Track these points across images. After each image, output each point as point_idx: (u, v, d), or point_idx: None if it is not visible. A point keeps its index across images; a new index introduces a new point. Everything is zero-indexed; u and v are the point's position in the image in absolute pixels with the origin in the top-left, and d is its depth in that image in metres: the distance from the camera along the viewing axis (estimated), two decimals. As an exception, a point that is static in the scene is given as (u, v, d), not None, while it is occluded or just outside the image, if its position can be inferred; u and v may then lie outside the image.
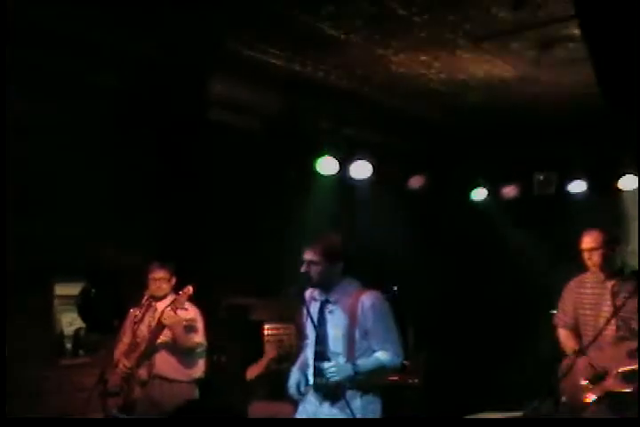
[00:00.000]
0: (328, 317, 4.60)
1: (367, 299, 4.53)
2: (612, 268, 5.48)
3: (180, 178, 7.16)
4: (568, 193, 9.13)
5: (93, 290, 7.05)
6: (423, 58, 6.81)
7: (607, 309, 5.40)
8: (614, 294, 5.40)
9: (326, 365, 4.46)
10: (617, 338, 5.29)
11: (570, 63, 6.74)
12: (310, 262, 4.56)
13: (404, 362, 8.06)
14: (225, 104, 7.32)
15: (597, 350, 5.31)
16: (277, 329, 7.87)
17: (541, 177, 8.98)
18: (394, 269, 8.66)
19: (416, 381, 7.88)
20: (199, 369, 6.30)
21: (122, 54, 6.35)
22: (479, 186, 9.17)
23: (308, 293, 4.74)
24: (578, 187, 9.09)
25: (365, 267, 8.33)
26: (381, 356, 4.49)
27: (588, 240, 5.54)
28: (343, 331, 4.53)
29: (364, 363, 4.46)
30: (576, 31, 5.77)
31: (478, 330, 8.07)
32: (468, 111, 8.30)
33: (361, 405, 4.50)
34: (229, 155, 7.46)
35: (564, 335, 5.80)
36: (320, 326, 4.60)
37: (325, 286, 4.62)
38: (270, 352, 7.58)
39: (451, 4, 5.70)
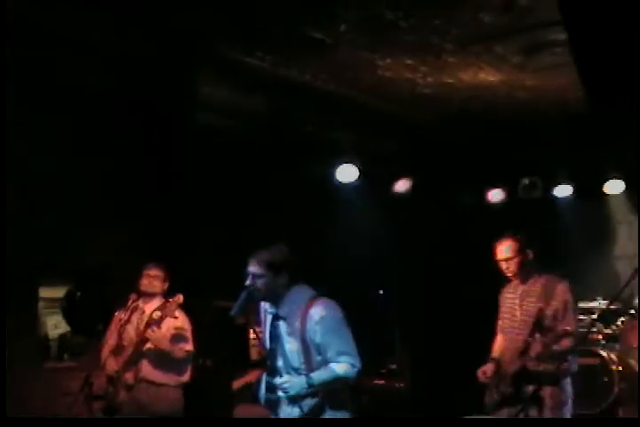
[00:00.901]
0: (281, 331, 4.46)
1: (315, 312, 4.34)
2: (527, 273, 5.54)
3: (168, 180, 7.14)
4: (554, 197, 9.16)
5: (78, 293, 7.03)
6: (409, 62, 6.82)
7: (518, 313, 5.52)
8: (522, 299, 5.51)
9: (279, 380, 4.36)
10: (523, 342, 5.31)
11: (555, 68, 6.76)
12: (254, 275, 4.40)
13: (391, 366, 8.10)
14: (212, 107, 7.31)
15: (509, 354, 5.46)
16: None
17: (527, 181, 9.01)
18: (380, 272, 8.66)
19: (402, 385, 7.87)
20: (187, 374, 6.27)
21: (109, 57, 6.33)
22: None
23: (262, 304, 4.60)
24: (563, 191, 9.13)
25: (351, 270, 8.40)
26: (337, 368, 4.33)
27: (503, 250, 5.54)
28: (297, 346, 4.38)
29: (319, 376, 4.31)
30: (562, 36, 5.79)
31: (465, 332, 8.06)
32: (455, 115, 8.32)
33: None
34: (217, 157, 7.45)
35: (496, 341, 5.79)
36: (272, 340, 4.49)
37: (272, 298, 4.45)
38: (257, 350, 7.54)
39: (437, 9, 5.71)
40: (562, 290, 5.38)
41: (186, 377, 6.26)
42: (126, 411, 6.00)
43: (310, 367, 4.36)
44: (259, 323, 4.74)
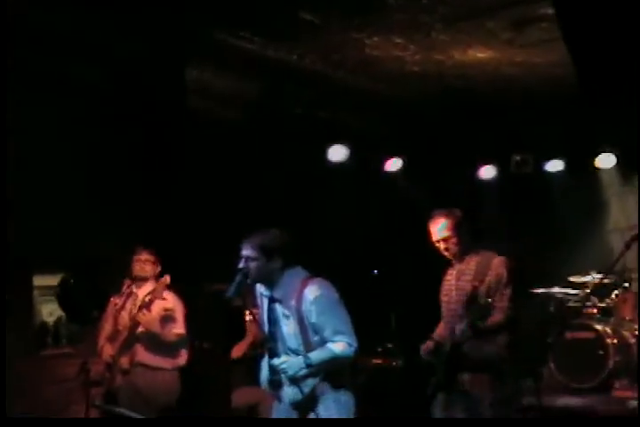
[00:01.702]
0: (277, 314, 4.48)
1: (309, 292, 4.36)
2: (463, 251, 5.16)
3: (160, 166, 7.12)
4: (546, 172, 9.18)
5: (72, 280, 7.02)
6: (398, 40, 6.78)
7: (454, 294, 5.16)
8: (458, 278, 5.16)
9: (277, 361, 4.37)
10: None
11: (544, 43, 6.73)
12: (247, 258, 4.40)
13: (388, 345, 8.13)
14: (201, 91, 7.28)
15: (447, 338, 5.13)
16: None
17: (518, 157, 9.01)
18: (375, 254, 8.67)
19: (400, 362, 7.90)
20: (182, 358, 6.29)
21: (98, 45, 6.29)
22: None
23: (257, 287, 4.60)
24: (555, 166, 9.14)
25: (345, 250, 8.40)
26: (334, 347, 4.35)
27: (437, 229, 5.12)
28: (294, 327, 4.40)
29: (317, 355, 4.33)
30: (550, 11, 5.76)
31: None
32: (444, 93, 8.29)
33: (326, 405, 4.41)
34: (207, 141, 7.43)
35: (439, 326, 5.44)
36: (269, 323, 4.51)
37: (266, 282, 4.47)
38: (252, 330, 7.56)
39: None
40: (496, 264, 5.03)
41: (181, 360, 6.27)
42: (123, 396, 6.02)
43: (308, 348, 4.37)
44: (255, 305, 4.75)
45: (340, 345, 4.35)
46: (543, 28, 6.42)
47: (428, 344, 5.18)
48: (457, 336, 4.95)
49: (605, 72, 4.42)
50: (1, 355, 5.84)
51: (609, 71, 4.37)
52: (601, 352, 7.46)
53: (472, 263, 5.11)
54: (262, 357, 4.61)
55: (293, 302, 4.39)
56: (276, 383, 4.48)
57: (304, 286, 4.39)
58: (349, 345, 4.36)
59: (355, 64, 7.40)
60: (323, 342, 4.38)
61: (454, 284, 5.18)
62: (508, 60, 7.38)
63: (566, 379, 7.52)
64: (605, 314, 7.86)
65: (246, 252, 4.40)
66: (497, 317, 4.95)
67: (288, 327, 4.43)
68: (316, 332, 4.38)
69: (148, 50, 6.54)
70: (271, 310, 4.51)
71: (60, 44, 6.08)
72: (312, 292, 4.36)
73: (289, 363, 4.33)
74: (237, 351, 7.32)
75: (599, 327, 7.58)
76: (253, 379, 7.62)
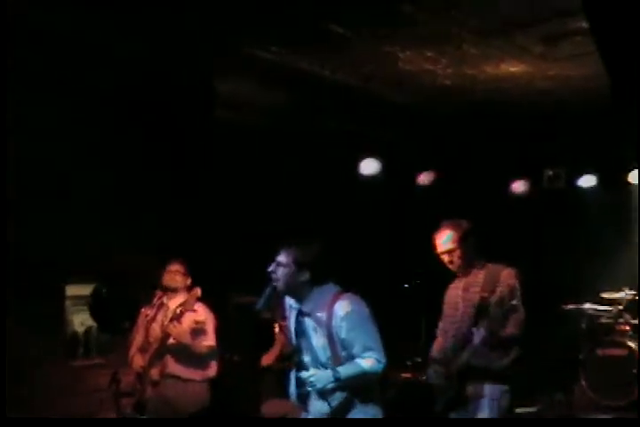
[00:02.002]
0: (306, 327, 4.46)
1: (340, 308, 4.34)
2: (470, 264, 5.11)
3: (188, 177, 7.16)
4: (578, 187, 9.13)
5: (104, 290, 7.06)
6: (429, 54, 6.79)
7: (461, 306, 5.12)
8: (465, 290, 5.09)
9: (305, 374, 4.37)
10: (464, 335, 5.02)
11: (577, 57, 6.71)
12: (279, 264, 4.40)
13: (418, 359, 8.09)
14: (232, 103, 7.32)
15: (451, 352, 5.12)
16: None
17: (551, 172, 8.96)
18: (406, 268, 8.64)
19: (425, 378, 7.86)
20: (212, 369, 6.30)
21: (126, 54, 6.35)
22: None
23: (286, 299, 4.59)
24: (588, 181, 9.09)
25: (377, 266, 8.38)
26: (363, 363, 4.34)
27: (442, 242, 5.08)
28: (323, 341, 4.38)
29: (346, 370, 4.32)
30: (583, 25, 5.74)
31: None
32: (477, 106, 8.28)
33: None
34: (238, 153, 7.47)
35: (436, 342, 5.43)
36: (298, 336, 4.49)
37: (294, 293, 4.47)
38: (280, 342, 7.58)
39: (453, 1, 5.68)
40: (506, 276, 4.99)
41: (211, 372, 6.28)
42: (153, 407, 6.04)
43: (337, 362, 4.36)
44: (284, 318, 4.75)
45: (369, 361, 4.34)
46: (576, 42, 6.39)
47: (435, 368, 5.20)
48: (474, 345, 4.89)
49: (636, 86, 4.38)
50: (1, 356, 5.88)
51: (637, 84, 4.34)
52: (634, 371, 7.38)
53: (480, 275, 5.04)
54: (291, 369, 4.61)
55: (324, 317, 4.37)
56: (303, 396, 4.48)
57: (335, 301, 4.37)
58: (378, 362, 4.35)
59: (387, 78, 7.42)
60: (351, 358, 4.37)
61: (461, 296, 5.12)
62: (540, 74, 7.36)
63: (597, 396, 7.45)
64: (638, 331, 7.77)
65: (279, 257, 4.41)
66: (511, 329, 4.92)
67: (317, 341, 4.42)
68: (345, 347, 4.37)
69: (178, 62, 6.60)
70: (299, 323, 4.50)
71: (84, 49, 6.13)
72: (343, 308, 4.34)
73: (317, 376, 4.33)
74: (266, 360, 7.34)
75: (632, 345, 7.50)
76: (282, 391, 7.66)
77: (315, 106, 7.76)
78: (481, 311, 4.86)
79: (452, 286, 5.25)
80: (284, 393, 7.80)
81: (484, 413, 4.95)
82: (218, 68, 6.80)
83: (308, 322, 4.45)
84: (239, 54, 6.58)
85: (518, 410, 7.30)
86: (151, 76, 6.75)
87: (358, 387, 4.40)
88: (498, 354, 4.94)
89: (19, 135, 6.01)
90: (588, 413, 7.09)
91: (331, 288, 4.46)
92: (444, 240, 5.06)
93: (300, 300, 4.47)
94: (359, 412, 4.41)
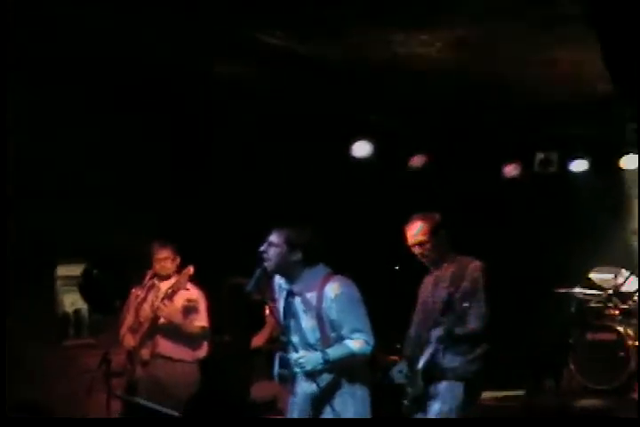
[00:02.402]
0: (296, 307, 4.49)
1: (330, 290, 4.38)
2: (441, 257, 5.05)
3: (183, 159, 7.14)
4: (570, 172, 9.13)
5: (95, 271, 7.07)
6: (423, 37, 6.76)
7: (430, 301, 5.04)
8: (435, 285, 5.05)
9: (295, 355, 4.38)
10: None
11: (572, 42, 6.69)
12: (270, 244, 4.43)
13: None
14: (228, 86, 7.29)
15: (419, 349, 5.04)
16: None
17: (542, 156, 8.96)
18: (397, 251, 8.65)
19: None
20: (203, 350, 6.32)
21: (126, 38, 6.31)
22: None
23: (276, 279, 4.63)
24: (579, 166, 9.09)
25: (367, 249, 8.39)
26: (352, 344, 4.37)
27: (414, 233, 5.00)
28: (313, 322, 4.41)
29: (334, 352, 4.35)
30: (579, 10, 5.73)
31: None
32: (470, 90, 8.26)
33: (342, 400, 4.43)
34: (233, 135, 7.45)
35: (407, 337, 5.32)
36: (286, 317, 4.52)
37: (285, 274, 4.50)
38: (271, 323, 7.61)
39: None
40: (472, 269, 4.90)
41: (202, 353, 6.30)
42: (143, 387, 6.06)
43: (326, 343, 4.39)
44: (274, 300, 4.76)
45: (357, 343, 4.37)
46: (572, 27, 6.37)
47: (400, 367, 5.14)
48: (432, 344, 4.85)
49: (634, 73, 4.38)
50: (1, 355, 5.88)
51: (638, 72, 4.34)
52: (622, 354, 7.42)
53: (450, 270, 4.98)
54: (276, 350, 4.64)
55: (314, 298, 4.40)
56: (289, 377, 4.50)
57: (325, 282, 4.40)
58: (367, 343, 4.38)
59: (380, 61, 7.39)
60: (340, 339, 4.40)
61: (431, 291, 5.07)
62: (534, 59, 7.34)
63: (586, 380, 7.49)
64: (627, 316, 7.81)
65: (271, 237, 4.44)
66: (473, 324, 4.83)
67: (306, 322, 4.44)
68: (334, 329, 4.39)
69: (180, 46, 6.56)
70: (289, 304, 4.53)
71: (85, 31, 6.09)
72: (333, 289, 4.37)
73: (307, 358, 4.34)
74: (257, 342, 7.37)
75: (621, 329, 7.54)
76: (273, 372, 7.69)
77: (308, 89, 7.73)
78: (447, 308, 4.80)
79: (425, 280, 5.21)
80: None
81: (435, 412, 4.87)
82: (217, 53, 6.75)
83: (298, 303, 4.47)
84: (235, 37, 6.54)
85: (506, 393, 7.35)
86: (150, 62, 6.71)
87: (347, 368, 4.42)
88: (460, 352, 4.87)
89: (13, 121, 5.97)
90: (576, 397, 7.13)
91: (321, 270, 4.48)
92: (415, 232, 4.99)
93: (290, 280, 4.49)
94: (346, 393, 4.43)
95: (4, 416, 5.02)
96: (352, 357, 4.39)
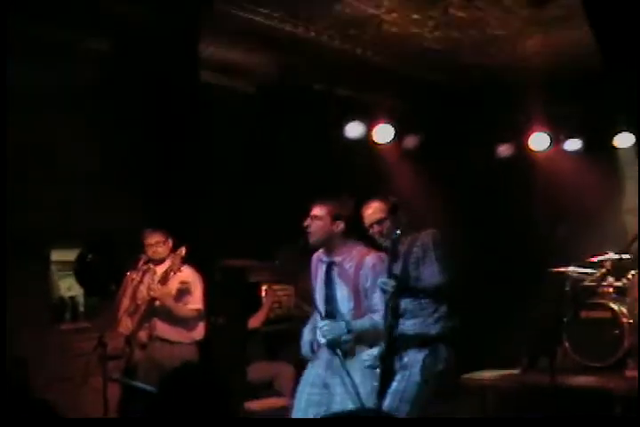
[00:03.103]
0: (335, 278, 4.71)
1: (370, 259, 4.64)
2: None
3: (173, 140, 7.11)
4: (563, 151, 9.13)
5: (90, 255, 7.06)
6: (416, 16, 6.75)
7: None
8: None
9: (320, 323, 4.56)
10: None
11: (564, 20, 6.68)
12: (314, 217, 4.67)
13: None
14: (217, 67, 7.26)
15: None
16: (275, 290, 7.91)
17: (536, 135, 8.96)
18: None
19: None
20: (199, 331, 6.33)
21: (111, 17, 6.27)
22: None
23: (315, 256, 4.86)
24: (573, 145, 9.09)
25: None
26: (376, 316, 4.56)
27: (372, 212, 4.97)
28: (349, 292, 4.64)
29: (359, 322, 4.55)
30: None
31: (475, 289, 8.08)
32: (463, 70, 8.25)
33: (358, 368, 4.59)
34: (223, 117, 7.42)
35: None
36: (327, 287, 4.74)
37: (326, 245, 4.74)
38: (268, 301, 7.63)
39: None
40: (424, 235, 4.87)
41: (198, 334, 6.31)
42: (142, 369, 6.08)
43: (358, 314, 4.62)
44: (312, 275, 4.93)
45: (381, 315, 4.57)
46: (562, 6, 6.36)
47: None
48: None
49: (626, 51, 4.37)
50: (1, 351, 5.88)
51: (630, 50, 4.32)
52: (616, 332, 7.45)
53: (406, 243, 4.91)
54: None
55: (352, 267, 4.66)
56: (316, 344, 4.75)
57: (365, 254, 4.70)
58: None
59: (373, 40, 7.37)
60: (370, 311, 4.62)
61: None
62: (526, 38, 7.33)
63: (581, 358, 7.52)
64: (621, 294, 7.83)
65: (314, 210, 4.70)
66: (427, 282, 4.76)
67: (342, 292, 4.67)
68: (367, 297, 4.62)
69: (164, 25, 6.52)
70: (328, 274, 4.75)
71: (68, 12, 6.05)
72: (372, 259, 4.66)
73: (331, 327, 4.52)
74: (253, 323, 7.40)
75: (615, 307, 7.56)
76: (269, 354, 7.72)
77: (300, 69, 7.70)
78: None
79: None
80: (271, 356, 7.89)
81: (404, 382, 4.75)
82: (204, 31, 6.72)
83: (337, 274, 4.72)
84: (225, 17, 6.51)
85: (501, 372, 7.39)
86: (134, 38, 6.67)
87: (369, 340, 4.63)
88: (420, 315, 4.78)
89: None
90: (570, 374, 7.17)
91: (358, 246, 4.76)
92: (373, 211, 4.96)
93: (331, 252, 4.73)
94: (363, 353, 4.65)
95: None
96: (374, 328, 4.56)
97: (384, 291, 4.62)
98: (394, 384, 4.65)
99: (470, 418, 4.94)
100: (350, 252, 4.72)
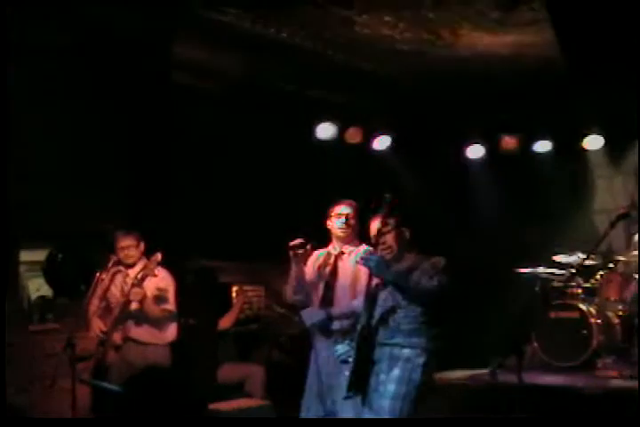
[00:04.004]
0: (339, 269, 5.24)
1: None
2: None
3: (145, 140, 7.09)
4: (533, 153, 9.19)
5: (60, 255, 7.02)
6: (387, 18, 6.77)
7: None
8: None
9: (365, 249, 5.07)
10: None
11: (534, 24, 6.72)
12: (347, 215, 5.24)
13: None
14: (189, 67, 7.25)
15: None
16: (246, 291, 7.90)
17: (506, 137, 9.02)
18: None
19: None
20: (172, 333, 6.31)
21: (83, 16, 6.24)
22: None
23: (315, 253, 5.33)
24: (543, 146, 9.15)
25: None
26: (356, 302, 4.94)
27: (343, 208, 5.31)
28: (351, 281, 5.14)
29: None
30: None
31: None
32: (434, 71, 8.28)
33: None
34: (194, 117, 7.42)
35: None
36: (329, 277, 5.24)
37: (347, 239, 5.27)
38: (239, 301, 7.61)
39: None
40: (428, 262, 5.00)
41: (170, 336, 6.30)
42: (115, 371, 6.06)
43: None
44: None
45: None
46: (533, 9, 6.40)
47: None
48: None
49: (594, 53, 4.42)
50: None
51: (597, 52, 4.38)
52: (585, 332, 7.51)
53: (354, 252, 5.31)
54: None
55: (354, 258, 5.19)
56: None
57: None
58: None
59: (344, 42, 7.38)
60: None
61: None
62: (497, 40, 7.37)
63: (549, 358, 7.59)
64: (590, 294, 7.91)
65: (347, 210, 5.26)
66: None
67: (344, 280, 5.23)
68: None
69: (136, 25, 6.50)
70: (335, 265, 5.32)
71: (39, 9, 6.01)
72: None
73: (375, 257, 4.65)
74: (223, 324, 7.39)
75: (583, 307, 7.63)
76: (240, 354, 7.71)
77: (271, 70, 7.70)
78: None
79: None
80: (242, 357, 7.87)
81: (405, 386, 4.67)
82: (174, 31, 6.71)
83: (346, 262, 5.31)
84: (198, 17, 6.50)
85: (471, 372, 7.43)
86: (107, 38, 6.65)
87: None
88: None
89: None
90: (538, 374, 7.22)
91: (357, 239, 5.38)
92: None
93: (342, 244, 5.37)
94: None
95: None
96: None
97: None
98: (391, 386, 4.58)
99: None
100: (356, 246, 5.29)
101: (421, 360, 4.67)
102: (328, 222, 5.34)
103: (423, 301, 4.72)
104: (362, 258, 4.70)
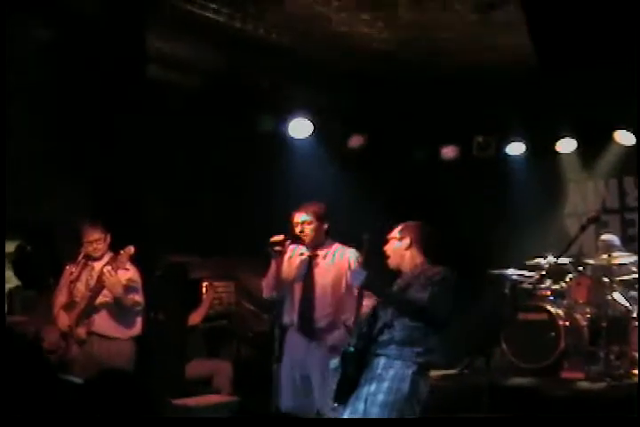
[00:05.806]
0: (315, 270, 5.30)
1: (353, 254, 5.20)
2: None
3: (117, 134, 7.05)
4: (507, 155, 9.22)
5: (29, 247, 6.96)
6: (365, 17, 6.78)
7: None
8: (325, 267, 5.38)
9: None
10: None
11: (510, 26, 6.76)
12: (304, 222, 5.22)
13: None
14: (164, 61, 7.21)
15: None
16: (216, 287, 7.88)
17: (480, 139, 9.05)
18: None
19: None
20: (137, 327, 6.28)
21: (61, 8, 6.19)
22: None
23: (290, 248, 5.34)
24: (516, 149, 9.18)
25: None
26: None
27: (304, 214, 5.34)
28: (331, 282, 5.21)
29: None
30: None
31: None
32: (410, 71, 8.29)
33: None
34: (169, 112, 7.38)
35: None
36: (306, 278, 5.29)
37: (315, 243, 5.29)
38: (209, 297, 7.60)
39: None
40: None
41: (135, 330, 6.26)
42: (79, 365, 6.01)
43: (337, 300, 5.18)
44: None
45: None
46: (509, 11, 6.43)
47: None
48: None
49: (568, 56, 4.44)
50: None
51: (572, 55, 4.40)
52: (552, 334, 7.55)
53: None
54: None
55: (336, 261, 5.33)
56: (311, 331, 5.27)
57: (344, 249, 5.35)
58: None
59: (321, 39, 7.38)
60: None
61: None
62: (473, 42, 7.40)
63: (517, 359, 7.62)
64: (559, 296, 7.95)
65: (303, 217, 5.24)
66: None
67: (323, 281, 5.31)
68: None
69: (112, 18, 6.46)
70: (309, 267, 5.37)
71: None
72: (353, 253, 5.26)
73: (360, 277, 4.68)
74: (193, 320, 7.37)
75: (552, 309, 7.67)
76: (208, 350, 7.69)
77: (247, 65, 7.68)
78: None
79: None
80: (210, 353, 7.84)
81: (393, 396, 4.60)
82: (151, 25, 6.67)
83: (320, 265, 5.40)
84: (174, 11, 6.47)
85: (441, 373, 7.45)
86: (83, 31, 6.60)
87: None
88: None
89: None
90: (506, 375, 7.25)
91: (334, 242, 5.49)
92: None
93: (314, 247, 5.44)
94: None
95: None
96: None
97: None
98: (380, 396, 4.52)
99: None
100: (330, 247, 5.33)
101: (411, 371, 4.61)
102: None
103: (414, 316, 4.69)
104: (351, 274, 4.94)
